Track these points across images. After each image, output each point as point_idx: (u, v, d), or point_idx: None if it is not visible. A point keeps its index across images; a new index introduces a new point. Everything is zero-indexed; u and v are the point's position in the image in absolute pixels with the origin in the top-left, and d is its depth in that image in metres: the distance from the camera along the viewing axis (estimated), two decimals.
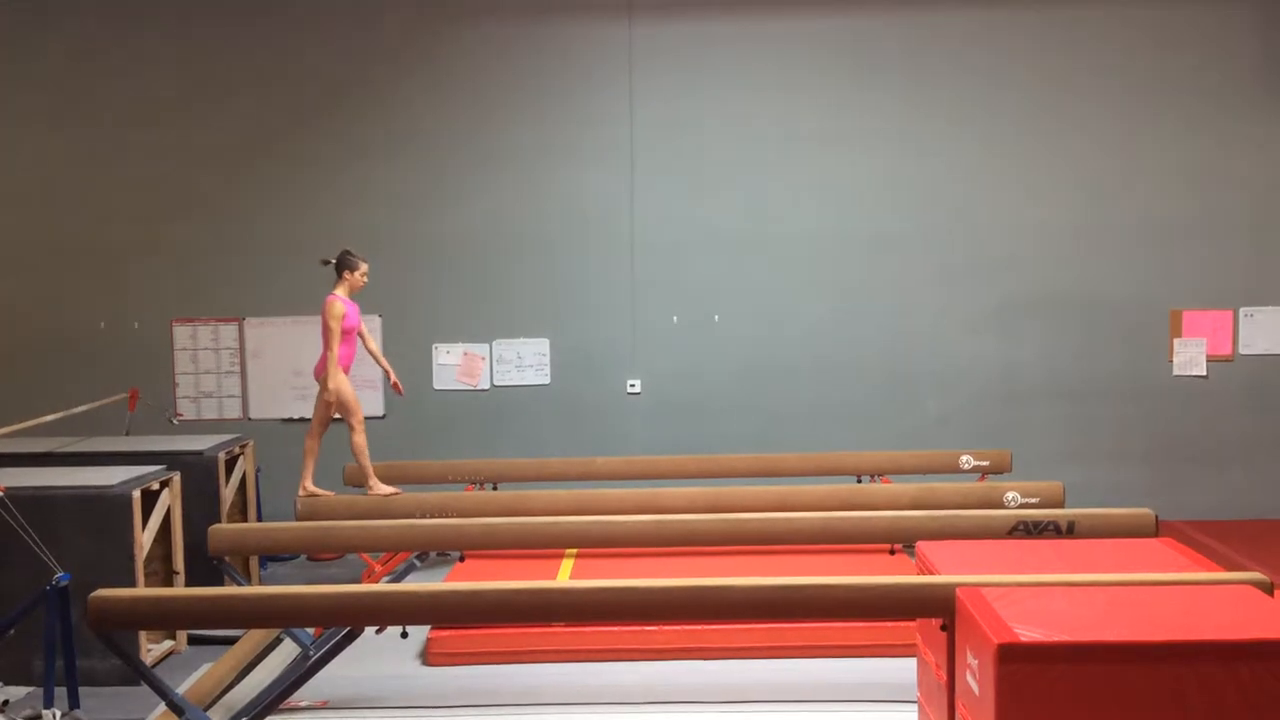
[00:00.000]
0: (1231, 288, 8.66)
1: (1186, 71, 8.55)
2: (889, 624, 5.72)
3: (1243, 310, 8.66)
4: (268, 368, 8.87)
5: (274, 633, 6.22)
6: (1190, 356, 8.68)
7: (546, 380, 8.83)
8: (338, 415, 6.83)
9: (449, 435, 8.73)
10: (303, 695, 5.20)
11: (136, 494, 5.81)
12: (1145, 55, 8.56)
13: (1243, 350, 8.67)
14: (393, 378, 7.03)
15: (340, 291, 6.75)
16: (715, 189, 8.73)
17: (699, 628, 5.85)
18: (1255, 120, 8.55)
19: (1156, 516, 5.73)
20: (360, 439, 6.84)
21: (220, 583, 6.35)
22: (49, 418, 7.09)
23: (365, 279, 6.88)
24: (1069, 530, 5.65)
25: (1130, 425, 8.71)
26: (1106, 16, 8.55)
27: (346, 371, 6.80)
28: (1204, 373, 8.68)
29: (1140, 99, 8.58)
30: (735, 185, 8.70)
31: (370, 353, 7.04)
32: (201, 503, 6.78)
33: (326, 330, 6.66)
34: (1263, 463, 8.68)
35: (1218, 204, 8.60)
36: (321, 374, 6.73)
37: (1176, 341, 8.68)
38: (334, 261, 6.83)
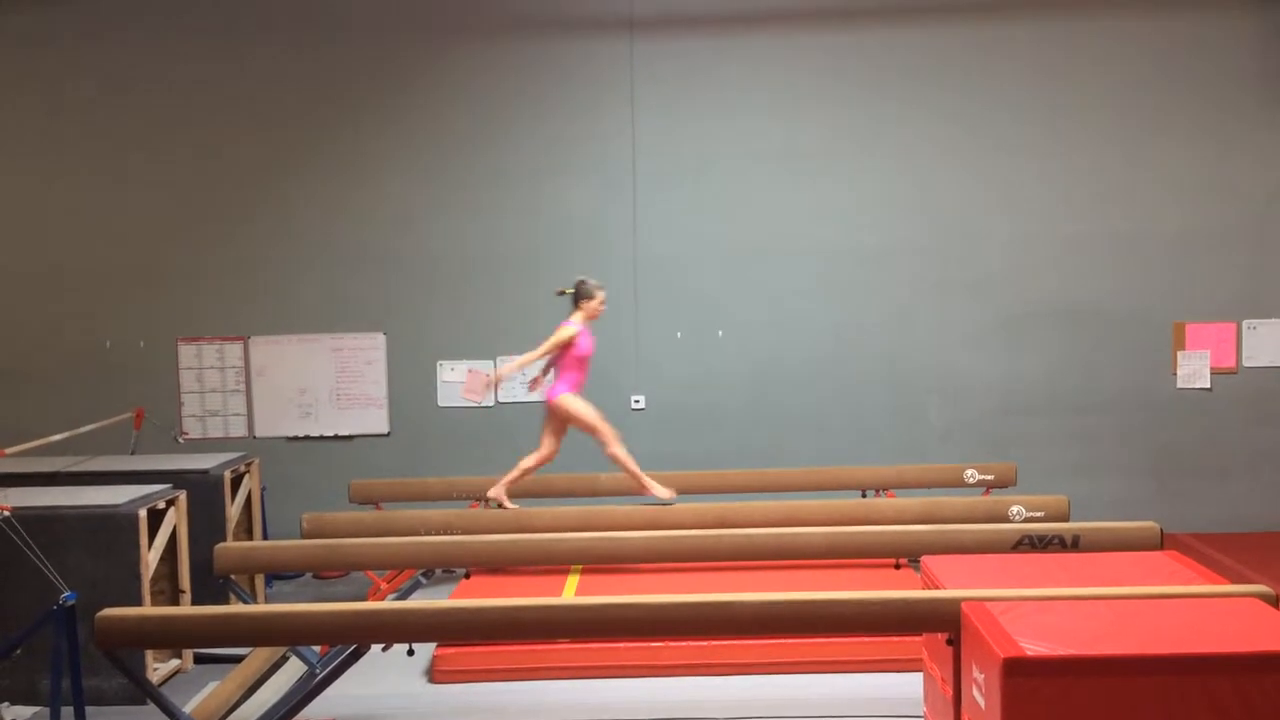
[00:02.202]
0: (1235, 300, 8.66)
1: (1187, 83, 8.57)
2: (895, 639, 5.71)
3: (1246, 322, 8.66)
4: (273, 386, 8.89)
5: (280, 651, 6.21)
6: (1194, 369, 8.68)
7: None
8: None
9: (454, 452, 8.74)
10: (309, 713, 5.19)
11: (142, 513, 5.82)
12: (1145, 67, 8.58)
13: (1246, 362, 8.67)
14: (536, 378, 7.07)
15: (575, 319, 6.86)
16: (717, 204, 8.75)
17: (705, 643, 5.85)
18: (1257, 131, 8.57)
19: (1161, 529, 5.72)
20: (616, 450, 6.82)
21: (226, 601, 6.34)
22: (55, 437, 7.10)
23: (603, 307, 6.95)
24: (1074, 544, 5.64)
25: (1134, 438, 8.70)
26: (1107, 29, 8.59)
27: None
28: (1208, 385, 8.68)
29: (1141, 111, 8.60)
30: (737, 200, 8.73)
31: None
32: (207, 521, 6.78)
33: (550, 347, 6.80)
34: (1267, 475, 8.67)
35: (1220, 216, 8.62)
36: (553, 398, 6.83)
37: (1180, 354, 8.68)
38: (572, 291, 6.92)
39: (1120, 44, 8.59)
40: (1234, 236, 8.63)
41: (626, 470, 6.89)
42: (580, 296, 6.91)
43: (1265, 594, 3.98)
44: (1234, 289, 8.66)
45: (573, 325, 6.86)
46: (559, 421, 6.89)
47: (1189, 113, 8.60)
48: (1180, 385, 8.70)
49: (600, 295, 6.92)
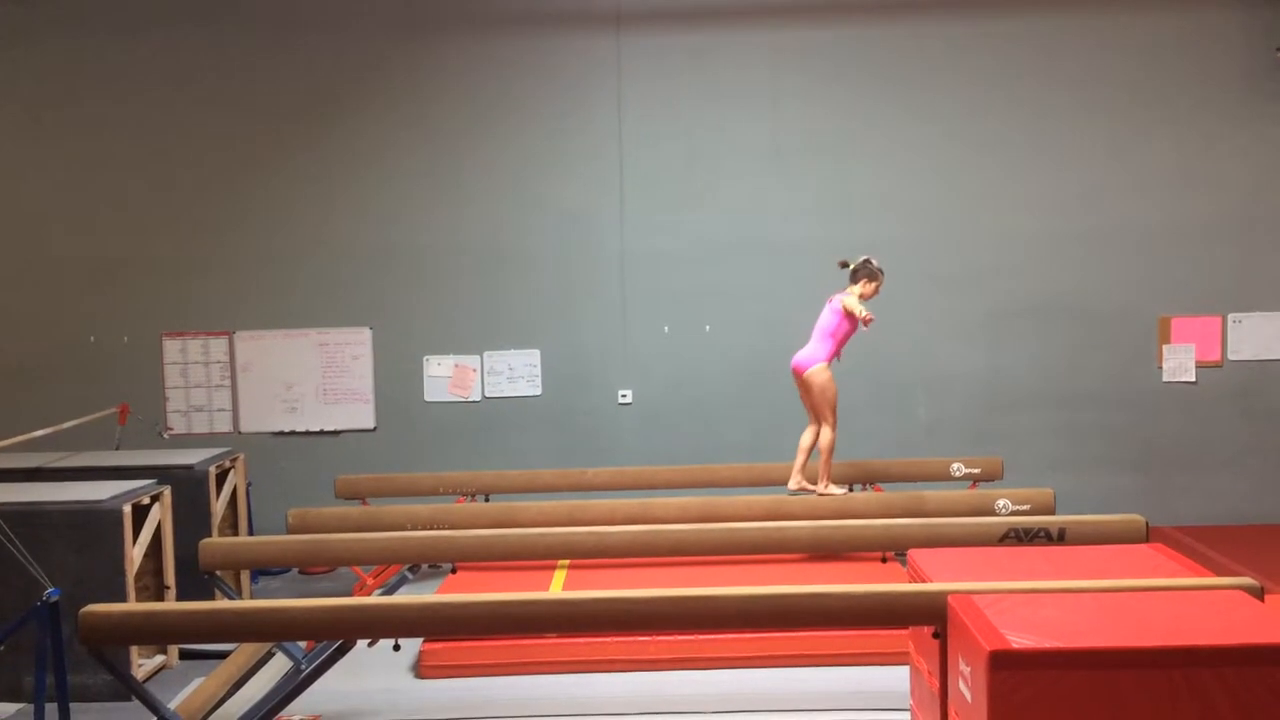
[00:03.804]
0: (1219, 294, 8.69)
1: (1172, 78, 8.60)
2: (881, 632, 5.71)
3: (1231, 316, 8.69)
4: (258, 381, 8.86)
5: (266, 647, 6.19)
6: (1179, 362, 8.71)
7: (538, 391, 8.83)
8: None
9: (440, 447, 8.73)
10: (295, 709, 5.18)
11: (127, 509, 5.79)
12: (1131, 62, 8.61)
13: (1231, 356, 8.70)
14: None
15: (853, 292, 6.62)
16: (705, 198, 8.75)
17: (691, 638, 5.84)
18: (1241, 125, 8.60)
19: (1147, 522, 5.74)
20: (831, 436, 6.67)
21: (211, 597, 6.32)
22: (39, 433, 7.06)
23: (878, 293, 6.72)
24: (1060, 537, 5.65)
25: (1120, 431, 8.73)
26: (1091, 27, 8.61)
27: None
28: (1193, 379, 8.71)
29: (1127, 106, 8.63)
30: (724, 194, 8.72)
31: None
32: (192, 517, 6.75)
33: (838, 320, 6.54)
34: (1252, 468, 8.71)
35: (1205, 210, 8.65)
36: (809, 367, 6.60)
37: (1165, 348, 8.71)
38: (854, 267, 6.68)
39: (1104, 41, 8.61)
40: (1218, 231, 8.66)
41: (823, 459, 6.67)
42: (862, 274, 6.65)
43: (1251, 586, 4.00)
44: (1218, 283, 8.69)
45: (854, 297, 6.58)
46: (810, 393, 6.65)
47: (1173, 109, 8.62)
48: (1165, 379, 8.73)
49: (881, 279, 6.67)
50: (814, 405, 6.71)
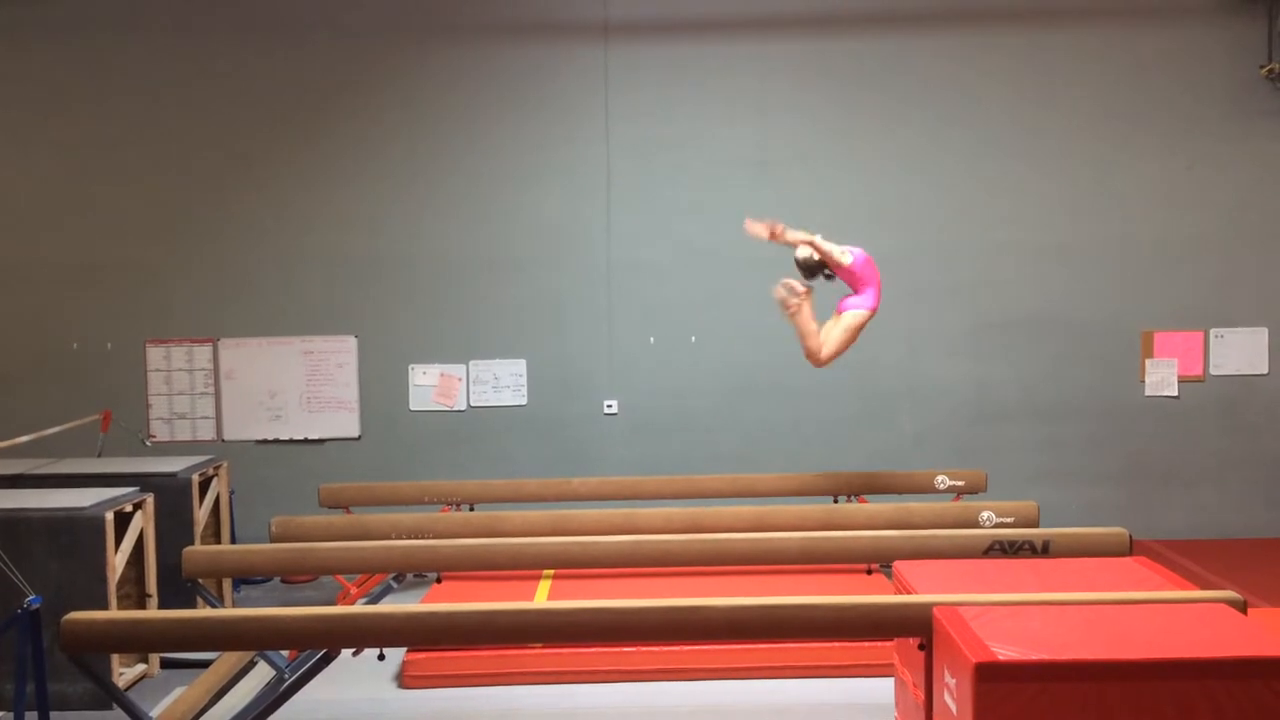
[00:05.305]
0: (1202, 309, 8.75)
1: (1158, 94, 8.66)
2: (867, 644, 5.72)
3: (1213, 331, 8.75)
4: (242, 389, 8.82)
5: (248, 656, 6.15)
6: (1162, 377, 8.75)
7: (523, 401, 8.81)
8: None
9: (425, 456, 8.71)
10: (277, 719, 5.15)
11: (109, 516, 5.76)
12: (1117, 78, 8.67)
13: (1213, 371, 8.75)
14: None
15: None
16: (691, 209, 8.76)
17: (676, 649, 5.84)
18: (1223, 143, 8.66)
19: (1130, 536, 5.76)
20: (815, 345, 6.70)
21: (193, 606, 6.29)
22: (21, 439, 7.01)
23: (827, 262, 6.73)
24: (1044, 549, 5.67)
25: (1103, 445, 8.76)
26: (1080, 40, 8.66)
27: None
28: (1175, 393, 8.76)
29: (1113, 122, 8.68)
30: (711, 206, 8.73)
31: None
32: (175, 525, 6.72)
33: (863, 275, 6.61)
34: (1234, 482, 8.75)
35: (1189, 225, 8.70)
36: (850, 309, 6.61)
37: (1148, 362, 8.76)
38: (811, 265, 6.79)
39: (1091, 57, 8.67)
40: (1202, 246, 8.72)
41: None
42: (816, 272, 6.83)
43: (1233, 600, 4.02)
44: (1201, 298, 8.74)
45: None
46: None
47: (1157, 125, 8.68)
48: (1148, 393, 8.78)
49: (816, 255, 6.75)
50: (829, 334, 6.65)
